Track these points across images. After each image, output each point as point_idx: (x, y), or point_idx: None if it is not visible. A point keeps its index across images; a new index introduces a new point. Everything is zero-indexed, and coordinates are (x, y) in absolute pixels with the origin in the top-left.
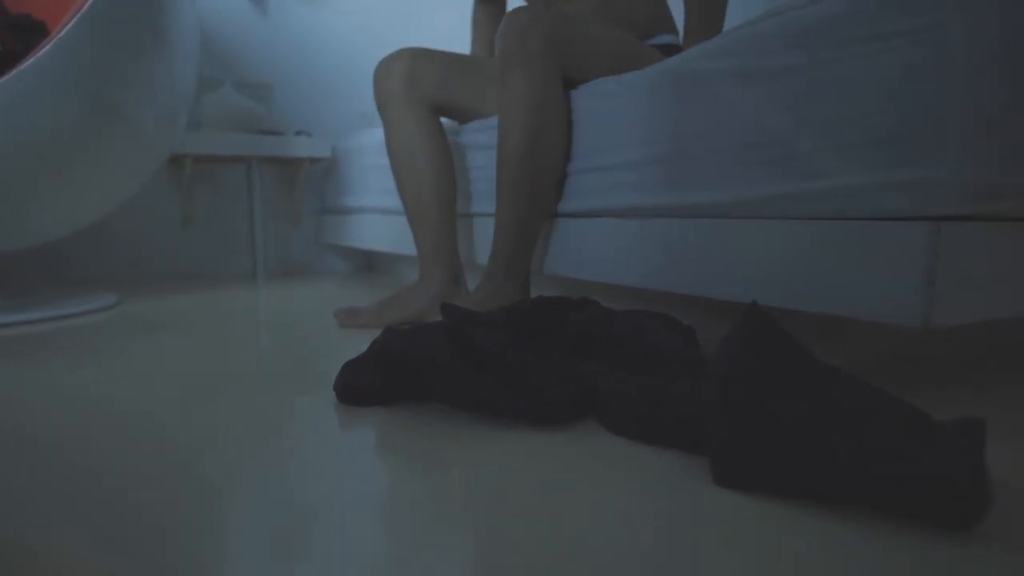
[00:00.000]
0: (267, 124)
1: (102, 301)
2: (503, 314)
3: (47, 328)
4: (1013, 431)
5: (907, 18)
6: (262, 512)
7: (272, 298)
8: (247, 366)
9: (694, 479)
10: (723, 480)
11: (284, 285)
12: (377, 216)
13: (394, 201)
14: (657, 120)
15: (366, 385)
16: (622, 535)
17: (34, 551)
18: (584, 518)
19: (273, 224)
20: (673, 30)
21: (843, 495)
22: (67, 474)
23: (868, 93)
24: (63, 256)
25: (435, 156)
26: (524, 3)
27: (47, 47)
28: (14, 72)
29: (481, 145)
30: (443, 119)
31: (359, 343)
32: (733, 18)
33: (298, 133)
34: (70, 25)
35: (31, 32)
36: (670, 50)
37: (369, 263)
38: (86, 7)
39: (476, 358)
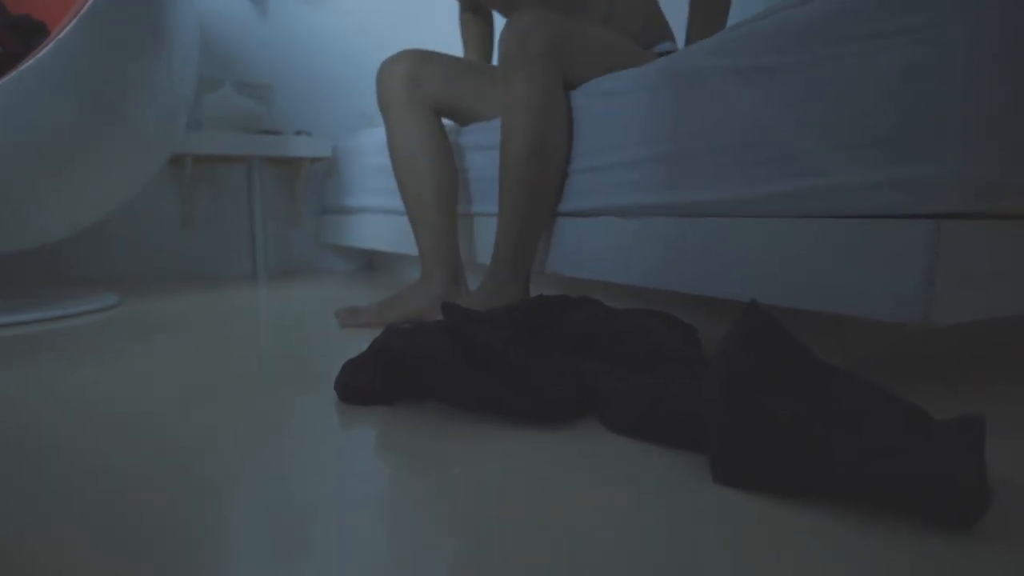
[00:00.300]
0: (267, 124)
1: (103, 301)
2: (504, 313)
3: (48, 328)
4: (1013, 428)
5: (907, 16)
6: (263, 512)
7: (273, 298)
8: (248, 366)
9: (694, 478)
10: (723, 478)
11: (285, 285)
12: (377, 216)
13: (394, 201)
14: (657, 119)
15: (367, 384)
16: (622, 534)
17: (35, 551)
18: (585, 517)
19: (273, 224)
20: (671, 37)
21: (843, 493)
22: (68, 474)
23: (868, 91)
24: (63, 256)
25: (436, 156)
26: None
27: (47, 47)
28: (15, 72)
29: (481, 145)
30: (444, 120)
31: (360, 343)
32: (734, 16)
33: (298, 133)
34: (70, 26)
35: (31, 32)
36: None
37: (370, 263)
38: (86, 7)
39: (477, 357)
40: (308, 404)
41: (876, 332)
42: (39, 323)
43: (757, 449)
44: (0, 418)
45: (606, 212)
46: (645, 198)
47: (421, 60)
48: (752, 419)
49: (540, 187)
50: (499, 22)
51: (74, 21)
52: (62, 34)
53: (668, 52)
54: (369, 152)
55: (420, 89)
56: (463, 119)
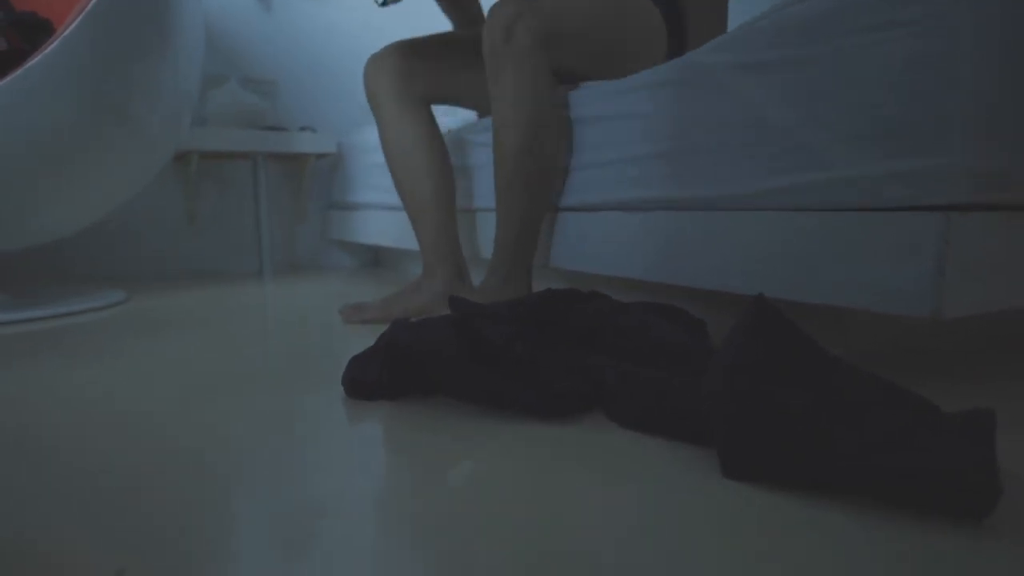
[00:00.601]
0: (272, 120)
1: (111, 298)
2: (510, 307)
3: (54, 325)
4: (1022, 422)
5: (912, 8)
6: (270, 508)
7: (278, 294)
8: (254, 362)
9: (700, 472)
10: (731, 472)
11: (290, 281)
12: (383, 211)
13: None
14: (661, 113)
15: (374, 379)
16: (628, 529)
17: (36, 551)
18: (592, 512)
19: (279, 220)
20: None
21: (851, 486)
22: (75, 472)
23: (873, 84)
24: (68, 254)
25: (430, 152)
26: None
27: (53, 45)
28: (21, 70)
29: (484, 143)
30: (465, 112)
31: (366, 338)
32: (737, 15)
33: (303, 129)
34: (76, 23)
35: (36, 30)
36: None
37: (375, 258)
38: (91, 5)
39: (484, 351)
40: (315, 400)
41: (881, 325)
42: (46, 320)
43: (765, 441)
44: (4, 416)
45: (609, 207)
46: (648, 193)
47: (407, 54)
48: (760, 411)
49: (536, 180)
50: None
51: (79, 18)
52: (67, 31)
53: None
54: (374, 148)
55: (409, 83)
56: (457, 102)
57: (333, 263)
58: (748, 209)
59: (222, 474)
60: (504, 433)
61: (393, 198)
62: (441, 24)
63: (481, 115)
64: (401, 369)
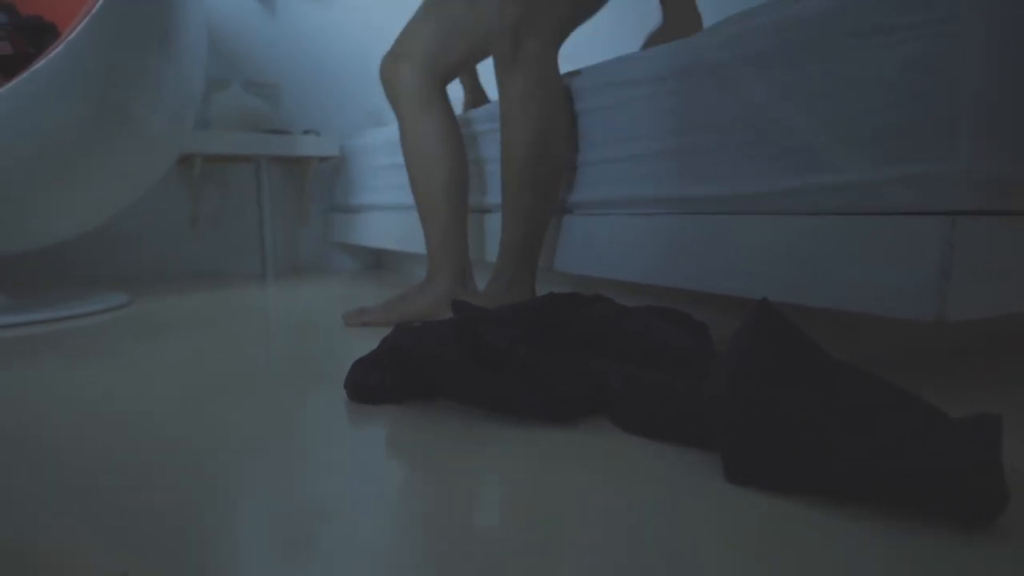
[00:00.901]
0: (275, 123)
1: (113, 300)
2: (513, 311)
3: (57, 328)
4: None
5: (920, 11)
6: (272, 510)
7: (281, 297)
8: (257, 365)
9: (703, 476)
10: (735, 477)
11: (293, 284)
12: (385, 214)
13: (402, 199)
14: (666, 112)
15: (376, 383)
16: (633, 532)
17: (42, 551)
18: (595, 515)
19: (282, 223)
20: None
21: (857, 491)
22: (76, 472)
23: (880, 86)
24: (72, 256)
25: (448, 156)
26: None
27: (58, 48)
28: (26, 73)
29: (493, 130)
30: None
31: (369, 341)
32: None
33: (306, 132)
34: (80, 26)
35: (41, 33)
36: None
37: (378, 261)
38: (96, 8)
39: (487, 355)
40: (318, 403)
41: (886, 329)
42: (50, 323)
43: (770, 446)
44: (5, 416)
45: (615, 204)
46: (654, 191)
47: (430, 42)
48: (765, 416)
49: (545, 183)
50: None
51: (84, 22)
52: (72, 35)
53: None
54: (377, 151)
55: (428, 78)
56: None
57: (336, 266)
58: (752, 212)
59: (224, 475)
60: (507, 437)
61: (396, 201)
62: None
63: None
64: (404, 373)
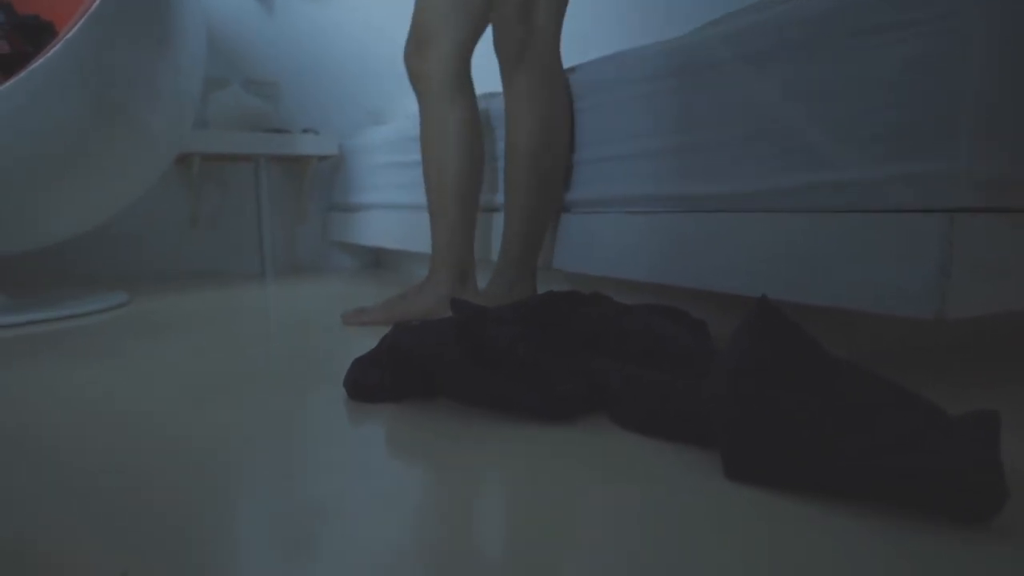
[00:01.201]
0: (274, 122)
1: (113, 300)
2: (513, 310)
3: (57, 328)
4: None
5: (920, 9)
6: (272, 509)
7: (281, 296)
8: (256, 364)
9: (703, 474)
10: (735, 474)
11: (292, 283)
12: (385, 213)
13: (402, 197)
14: (665, 110)
15: (376, 382)
16: (632, 529)
17: (42, 551)
18: (595, 514)
19: (281, 222)
20: None
21: (856, 490)
22: (76, 472)
23: (880, 85)
24: (71, 256)
25: (463, 158)
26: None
27: (56, 47)
28: (24, 72)
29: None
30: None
31: (369, 340)
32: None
33: (305, 131)
34: (78, 25)
35: (39, 32)
36: None
37: (377, 260)
38: (94, 7)
39: (486, 354)
40: (317, 401)
41: (886, 327)
42: (49, 322)
43: (769, 444)
44: (5, 416)
45: (614, 202)
46: (653, 189)
47: (452, 22)
48: (764, 414)
49: (548, 182)
50: None
51: (82, 21)
52: (70, 34)
53: None
54: (376, 149)
55: (464, 53)
56: None
57: (334, 265)
58: (751, 211)
59: (224, 474)
60: (507, 435)
61: (395, 199)
62: None
63: None
64: (403, 371)
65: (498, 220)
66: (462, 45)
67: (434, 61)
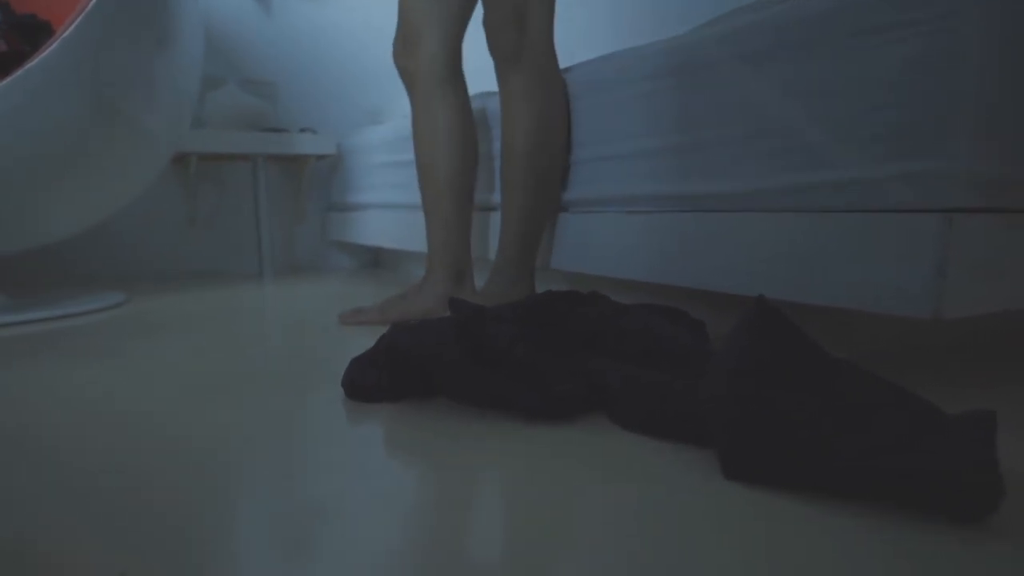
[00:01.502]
0: (272, 121)
1: (110, 299)
2: (511, 310)
3: (54, 327)
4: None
5: (919, 9)
6: (271, 509)
7: (279, 295)
8: (254, 364)
9: (702, 474)
10: (733, 474)
11: (291, 282)
12: (383, 212)
13: (400, 197)
14: (663, 109)
15: (374, 382)
16: (631, 529)
17: (42, 551)
18: (594, 514)
19: (279, 221)
20: None
21: (854, 490)
22: (75, 472)
23: (878, 85)
24: (68, 255)
25: (456, 153)
26: None
27: (53, 46)
28: (21, 71)
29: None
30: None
31: (366, 340)
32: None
33: (303, 130)
34: (75, 24)
35: (37, 31)
36: None
37: (375, 259)
38: (91, 6)
39: (485, 354)
40: (315, 401)
41: (884, 326)
42: (46, 322)
43: (767, 444)
44: (4, 416)
45: (612, 201)
46: (651, 188)
47: (439, 14)
48: (762, 414)
49: (545, 181)
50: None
51: (79, 19)
52: (67, 32)
53: None
54: (374, 149)
55: (453, 45)
56: None
57: (333, 264)
58: (749, 210)
59: (223, 474)
60: (505, 435)
61: (393, 198)
62: None
63: None
64: (401, 371)
65: (496, 219)
66: (450, 40)
67: (423, 58)
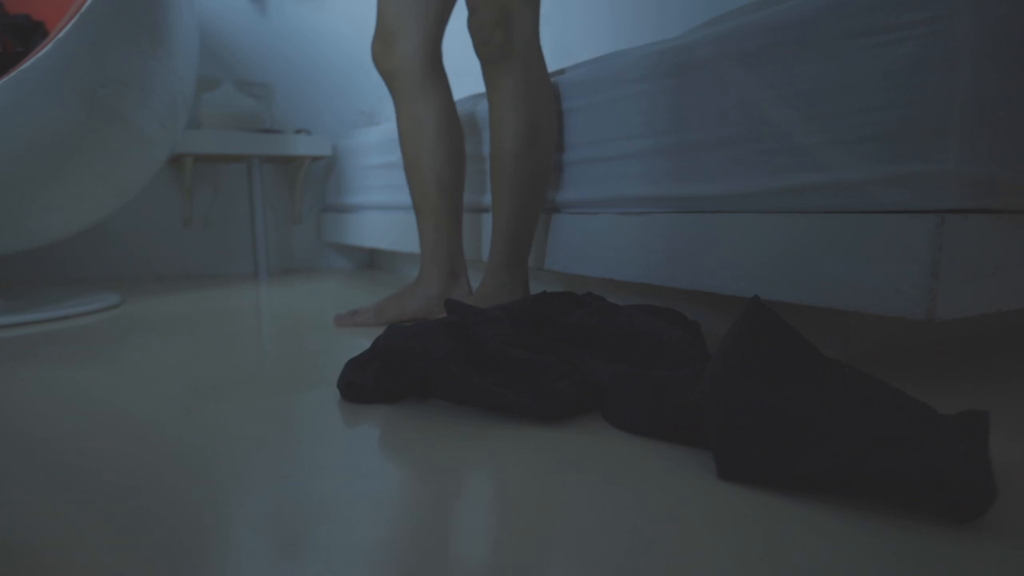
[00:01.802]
0: (267, 123)
1: (105, 301)
2: (505, 310)
3: (49, 328)
4: (1017, 422)
5: (912, 11)
6: (267, 510)
7: (274, 297)
8: (250, 365)
9: (696, 473)
10: (727, 474)
11: (286, 283)
12: (378, 213)
13: (395, 198)
14: (657, 111)
15: (370, 383)
16: (627, 530)
17: (40, 551)
18: (589, 514)
19: (274, 223)
20: None
21: (847, 490)
22: (73, 473)
23: (871, 86)
24: (64, 256)
25: (443, 149)
26: None
27: (47, 47)
28: (14, 72)
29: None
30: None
31: (362, 341)
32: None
33: (298, 131)
34: (70, 25)
35: (30, 32)
36: None
37: (370, 261)
38: (85, 6)
39: (480, 355)
40: (311, 403)
41: (877, 327)
42: (41, 323)
43: (761, 444)
44: (4, 418)
45: (606, 203)
46: (645, 190)
47: (417, 12)
48: (756, 414)
49: (536, 181)
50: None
51: (73, 20)
52: (61, 33)
53: None
54: (369, 150)
55: (432, 42)
56: None
57: (328, 265)
58: (743, 211)
59: (220, 475)
60: (500, 435)
61: (388, 200)
62: None
63: None
64: (397, 372)
65: (489, 221)
66: (429, 39)
67: (404, 57)
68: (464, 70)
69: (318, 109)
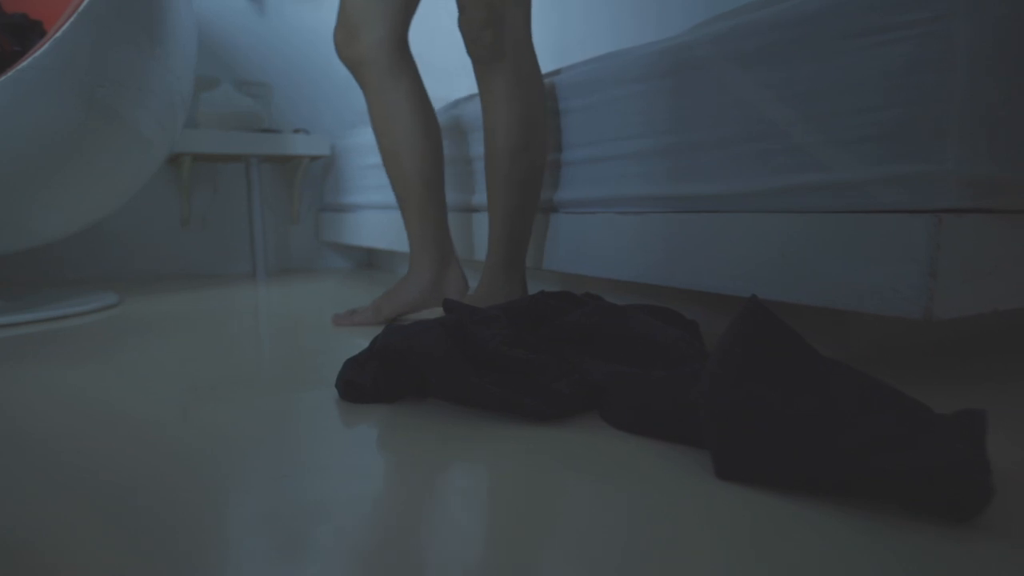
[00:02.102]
0: (265, 122)
1: (103, 300)
2: (503, 310)
3: (47, 328)
4: (1015, 422)
5: (910, 11)
6: (265, 510)
7: (272, 296)
8: (248, 365)
9: (694, 472)
10: (725, 473)
11: (284, 283)
12: (376, 213)
13: (393, 198)
14: (655, 111)
15: (368, 382)
16: (625, 529)
17: (39, 551)
18: (587, 514)
19: (272, 222)
20: None
21: (845, 489)
22: (72, 473)
23: (869, 86)
24: (62, 256)
25: (420, 136)
26: None
27: (44, 46)
28: (12, 72)
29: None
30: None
31: (360, 341)
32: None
33: (296, 131)
34: (67, 24)
35: (28, 31)
36: None
37: (369, 260)
38: (83, 6)
39: (478, 354)
40: (309, 402)
41: (875, 326)
42: (39, 323)
43: (758, 443)
44: (3, 417)
45: (604, 202)
46: (644, 190)
47: (391, 7)
48: (754, 414)
49: (530, 179)
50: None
51: (71, 19)
52: (59, 32)
53: None
54: (368, 150)
55: (397, 31)
56: None
57: (327, 264)
58: (741, 211)
59: (218, 475)
60: (498, 435)
61: (387, 199)
62: (431, 21)
63: None
64: (395, 372)
65: (479, 220)
66: (397, 25)
67: (371, 47)
68: (461, 69)
69: (316, 109)
